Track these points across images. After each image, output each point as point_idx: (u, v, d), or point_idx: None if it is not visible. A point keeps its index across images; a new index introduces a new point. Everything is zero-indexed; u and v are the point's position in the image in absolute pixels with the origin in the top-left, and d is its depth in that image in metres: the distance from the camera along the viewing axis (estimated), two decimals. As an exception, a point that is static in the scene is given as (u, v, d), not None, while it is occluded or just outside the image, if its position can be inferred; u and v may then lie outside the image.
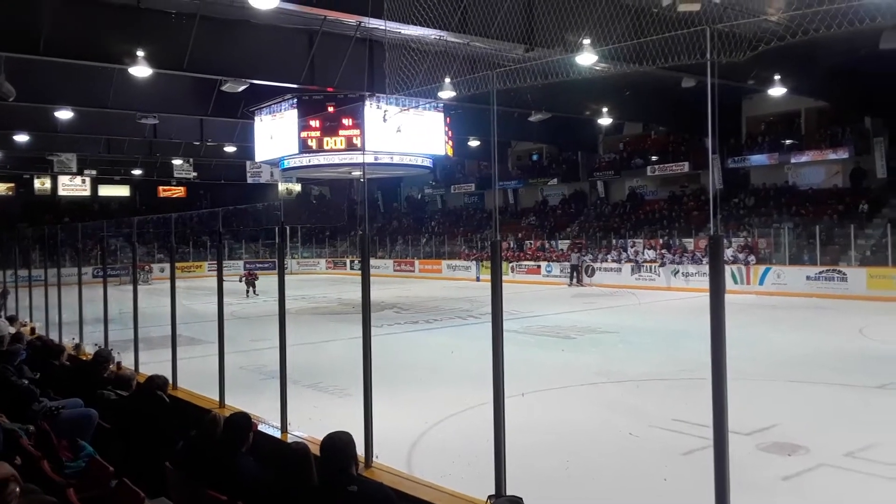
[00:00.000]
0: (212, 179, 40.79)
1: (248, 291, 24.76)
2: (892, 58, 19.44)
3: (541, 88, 22.72)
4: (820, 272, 22.59)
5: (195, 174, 38.00)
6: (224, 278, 7.38)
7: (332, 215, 46.34)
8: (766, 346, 13.49)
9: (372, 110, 24.49)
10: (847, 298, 20.84)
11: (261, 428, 5.45)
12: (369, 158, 25.93)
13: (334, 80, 18.88)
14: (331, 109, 25.57)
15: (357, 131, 25.80)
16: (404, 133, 25.01)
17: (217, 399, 6.77)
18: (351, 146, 26.05)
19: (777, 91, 21.74)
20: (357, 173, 29.64)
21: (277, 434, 5.52)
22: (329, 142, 26.15)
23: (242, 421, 4.38)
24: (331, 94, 24.11)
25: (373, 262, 39.34)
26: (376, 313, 18.99)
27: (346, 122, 25.90)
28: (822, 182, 28.14)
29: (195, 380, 7.63)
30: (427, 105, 25.04)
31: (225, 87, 19.23)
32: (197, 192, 49.05)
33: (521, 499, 3.55)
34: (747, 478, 6.50)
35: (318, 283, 32.94)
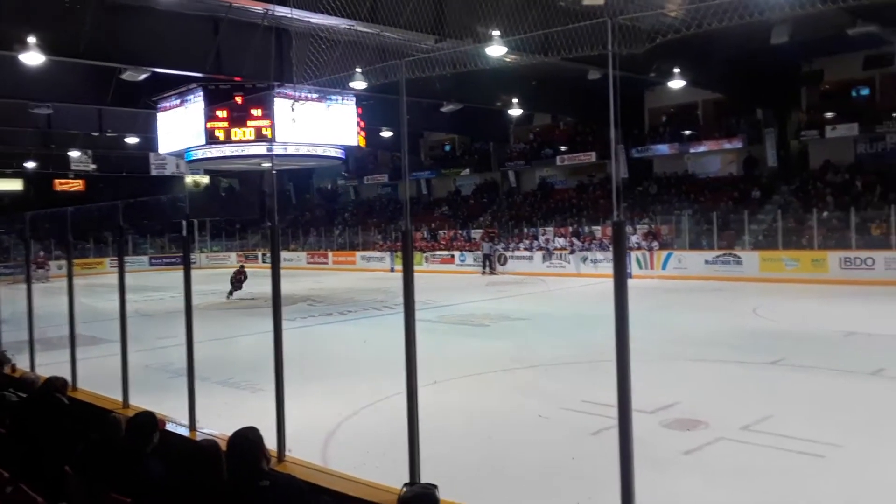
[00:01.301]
0: (113, 172, 38.99)
1: (233, 291, 22.42)
2: (782, 52, 20.61)
3: (451, 79, 22.85)
4: (717, 256, 23.76)
5: (94, 166, 36.20)
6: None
7: (242, 208, 45.20)
8: (668, 328, 14.10)
9: (282, 100, 23.99)
10: (742, 280, 21.99)
11: (168, 427, 5.29)
12: (280, 149, 25.39)
13: (242, 70, 18.40)
14: (239, 99, 24.87)
15: (267, 122, 25.21)
16: (315, 124, 24.62)
17: (121, 399, 6.52)
18: (261, 137, 25.41)
19: (676, 84, 22.67)
20: (268, 165, 28.99)
21: (186, 433, 5.37)
22: (238, 133, 25.40)
23: (146, 420, 4.23)
24: (238, 84, 23.44)
25: (285, 254, 38.83)
26: (289, 307, 18.72)
27: (255, 112, 25.24)
28: (719, 170, 29.55)
29: (97, 380, 7.31)
30: (338, 96, 24.74)
31: (125, 76, 18.43)
32: (97, 185, 46.72)
33: (435, 486, 3.60)
34: (651, 453, 6.78)
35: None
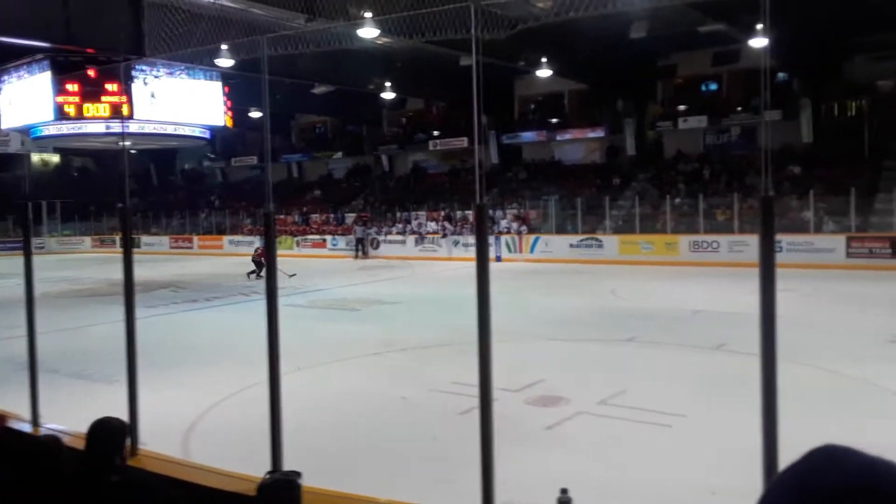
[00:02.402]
0: (-55, 148, 35.39)
1: (256, 273, 20.83)
2: (640, 47, 21.73)
3: (323, 60, 22.45)
4: (581, 240, 24.85)
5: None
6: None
7: (97, 189, 42.35)
8: (535, 309, 14.62)
9: (141, 76, 22.64)
10: (603, 263, 23.12)
11: (9, 424, 4.91)
12: (138, 128, 23.97)
13: (95, 41, 17.17)
14: (92, 73, 23.22)
15: (124, 98, 23.71)
16: (178, 101, 23.45)
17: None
18: (117, 114, 23.90)
19: (544, 73, 23.40)
20: (127, 143, 27.31)
21: (29, 428, 5.00)
22: (90, 108, 23.78)
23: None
24: (92, 56, 21.89)
25: (147, 239, 36.84)
26: (151, 293, 17.82)
27: (109, 87, 23.69)
28: (583, 158, 30.83)
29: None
30: (203, 73, 23.66)
31: (-43, 43, 16.72)
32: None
33: (298, 473, 3.55)
34: (516, 430, 7.03)
35: (84, 262, 30.08)
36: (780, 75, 25.24)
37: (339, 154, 37.06)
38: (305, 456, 5.64)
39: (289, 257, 28.75)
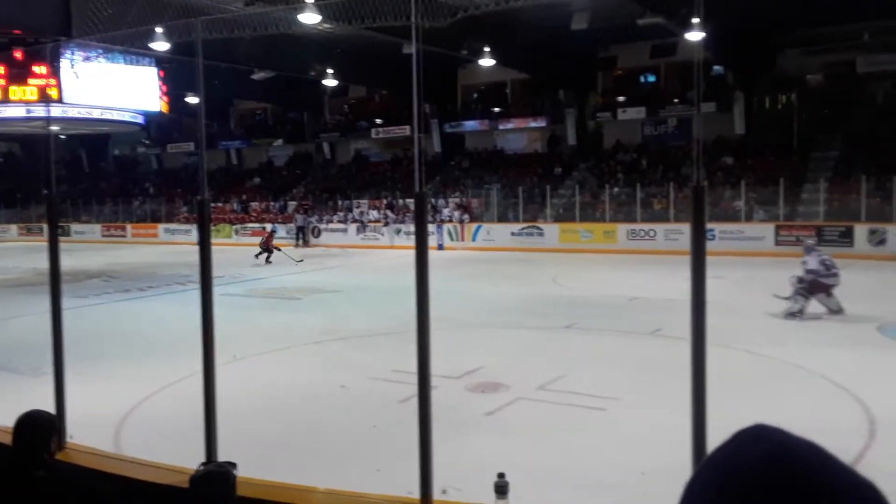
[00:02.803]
0: None
1: (269, 258, 21.07)
2: (581, 38, 22.00)
3: (263, 45, 22.03)
4: (522, 228, 25.10)
5: None
6: None
7: (24, 175, 40.66)
8: (476, 297, 14.71)
9: (71, 58, 21.77)
10: (544, 251, 23.41)
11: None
12: (62, 111, 23.05)
13: (21, 22, 16.41)
14: (18, 55, 22.23)
15: (52, 80, 22.79)
16: (110, 85, 22.66)
17: None
18: (45, 97, 22.95)
19: (487, 62, 23.46)
20: (55, 128, 26.28)
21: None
22: (17, 91, 22.80)
23: None
24: (18, 37, 20.93)
25: (77, 227, 35.58)
26: (81, 283, 17.24)
27: (37, 69, 22.75)
28: (525, 147, 31.10)
29: None
30: (137, 56, 22.91)
31: None
32: None
33: (233, 464, 3.48)
34: (456, 417, 7.07)
35: (10, 252, 28.89)
36: (716, 68, 25.93)
37: (280, 141, 36.46)
38: (242, 446, 5.55)
39: (227, 246, 28.24)
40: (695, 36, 16.93)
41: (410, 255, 3.98)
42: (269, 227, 25.13)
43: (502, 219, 26.21)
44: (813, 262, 11.06)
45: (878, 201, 20.62)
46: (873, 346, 9.61)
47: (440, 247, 25.77)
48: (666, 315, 11.12)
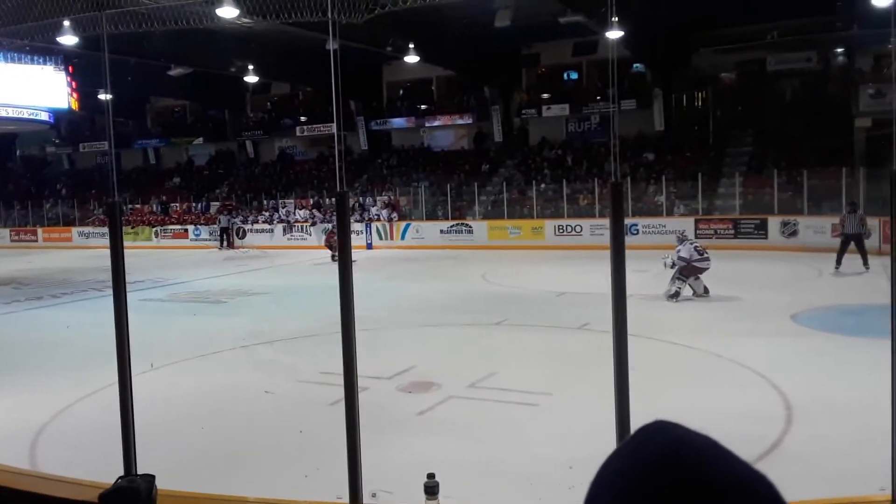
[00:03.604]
0: None
1: (334, 256, 18.92)
2: (505, 35, 22.21)
3: (180, 40, 21.34)
4: (451, 226, 25.17)
5: None
6: None
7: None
8: (407, 296, 14.66)
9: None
10: (473, 248, 23.53)
11: None
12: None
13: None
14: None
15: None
16: (12, 81, 21.47)
17: None
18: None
19: (412, 59, 23.40)
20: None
21: None
22: None
23: None
24: None
25: (-17, 232, 33.58)
26: (-13, 291, 16.31)
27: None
28: (452, 144, 31.19)
29: None
30: (43, 51, 21.78)
31: None
32: None
33: (151, 476, 3.33)
34: (388, 416, 7.00)
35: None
36: (636, 66, 26.61)
37: (200, 140, 35.39)
38: (164, 457, 5.34)
39: (148, 249, 27.30)
40: (613, 35, 17.35)
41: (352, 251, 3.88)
42: (328, 226, 23.42)
43: (431, 217, 26.21)
44: (685, 251, 12.31)
45: (790, 195, 21.58)
46: (788, 335, 10.03)
47: (369, 246, 25.60)
48: (593, 309, 11.29)
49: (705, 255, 12.49)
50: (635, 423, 3.12)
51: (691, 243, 12.71)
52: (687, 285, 12.50)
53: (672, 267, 12.48)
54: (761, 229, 21.06)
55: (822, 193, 20.94)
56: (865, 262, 15.18)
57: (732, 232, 21.39)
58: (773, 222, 20.94)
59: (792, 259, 18.02)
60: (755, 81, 25.97)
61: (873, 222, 15.90)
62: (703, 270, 12.50)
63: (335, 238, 20.90)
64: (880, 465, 3.50)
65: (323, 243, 21.32)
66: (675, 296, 12.46)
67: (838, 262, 15.50)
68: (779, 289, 13.66)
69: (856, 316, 10.71)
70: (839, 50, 24.46)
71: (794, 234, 20.41)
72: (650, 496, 0.70)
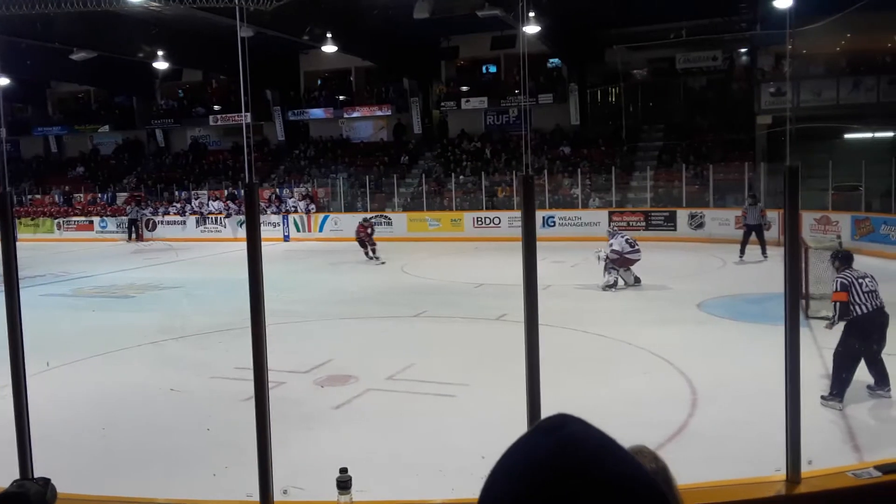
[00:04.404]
0: None
1: (367, 252, 17.69)
2: (424, 27, 22.14)
3: (83, 24, 20.31)
4: (370, 217, 24.95)
5: None
6: None
7: None
8: (325, 288, 14.49)
9: None
10: (393, 240, 23.38)
11: None
12: None
13: None
14: None
15: None
16: None
17: None
18: None
19: (329, 48, 23.02)
20: None
21: None
22: None
23: None
24: None
25: None
26: None
27: None
28: (371, 136, 30.95)
29: None
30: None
31: None
32: None
33: (46, 480, 3.15)
34: (304, 411, 6.91)
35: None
36: (553, 61, 27.06)
37: (106, 128, 33.78)
38: (67, 461, 5.11)
39: (50, 242, 25.98)
40: (531, 29, 17.56)
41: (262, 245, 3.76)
42: (368, 217, 19.95)
43: (350, 208, 25.95)
44: (617, 244, 12.78)
45: (697, 188, 22.46)
46: (694, 322, 10.45)
47: (286, 238, 25.14)
48: (511, 300, 11.38)
49: (636, 248, 12.91)
50: (546, 411, 3.17)
51: (622, 236, 13.08)
52: (618, 276, 12.94)
53: (606, 259, 12.86)
54: (670, 221, 21.83)
55: (726, 187, 21.89)
56: (764, 252, 15.99)
57: (644, 224, 22.07)
58: (682, 214, 21.75)
59: (699, 250, 18.76)
60: (665, 78, 26.86)
61: (772, 214, 16.74)
62: (634, 262, 12.91)
63: (366, 232, 17.88)
64: (778, 445, 3.68)
65: (354, 236, 18.80)
66: (613, 285, 12.86)
67: (741, 252, 16.26)
68: (686, 279, 14.21)
69: (756, 304, 11.25)
70: (743, 49, 25.56)
71: (700, 225, 21.25)
72: (534, 495, 0.73)
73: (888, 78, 20.97)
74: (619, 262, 12.81)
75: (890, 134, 22.09)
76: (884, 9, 16.88)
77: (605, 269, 12.97)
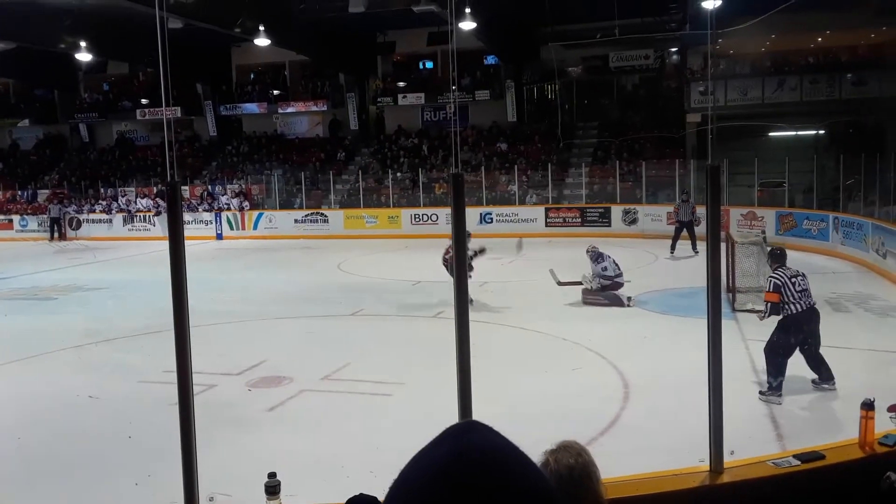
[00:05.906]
0: None
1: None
2: (360, 22, 21.93)
3: (0, 13, 19.40)
4: (306, 215, 24.63)
5: None
6: None
7: None
8: (258, 287, 14.19)
9: None
10: (329, 238, 23.16)
11: None
12: None
13: None
14: None
15: None
16: None
17: None
18: None
19: (262, 42, 22.56)
20: None
21: None
22: None
23: None
24: None
25: None
26: None
27: None
28: (307, 132, 30.49)
29: None
30: None
31: None
32: None
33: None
34: (236, 414, 6.73)
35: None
36: (489, 58, 27.15)
37: (26, 122, 32.32)
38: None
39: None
40: (467, 25, 17.59)
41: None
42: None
43: (285, 206, 25.51)
44: (610, 269, 11.37)
45: (630, 185, 22.91)
46: (627, 317, 10.64)
47: (219, 236, 24.57)
48: (448, 297, 11.42)
49: (620, 270, 11.55)
50: (478, 408, 3.13)
51: (608, 258, 11.55)
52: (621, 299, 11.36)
53: (598, 288, 11.38)
54: (605, 217, 22.22)
55: (658, 183, 22.40)
56: (694, 247, 16.43)
57: (579, 220, 22.40)
58: (616, 210, 22.15)
59: (632, 245, 19.12)
60: (599, 76, 27.32)
61: (703, 210, 17.21)
62: (621, 286, 11.52)
63: (450, 255, 17.26)
64: (705, 437, 3.75)
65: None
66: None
67: (672, 247, 16.67)
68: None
69: (686, 297, 11.51)
70: (673, 49, 26.19)
71: (634, 221, 21.69)
72: (435, 494, 0.74)
73: (810, 77, 21.82)
74: (611, 287, 11.37)
75: (812, 132, 23.02)
76: (806, 10, 17.51)
77: (592, 293, 11.43)
